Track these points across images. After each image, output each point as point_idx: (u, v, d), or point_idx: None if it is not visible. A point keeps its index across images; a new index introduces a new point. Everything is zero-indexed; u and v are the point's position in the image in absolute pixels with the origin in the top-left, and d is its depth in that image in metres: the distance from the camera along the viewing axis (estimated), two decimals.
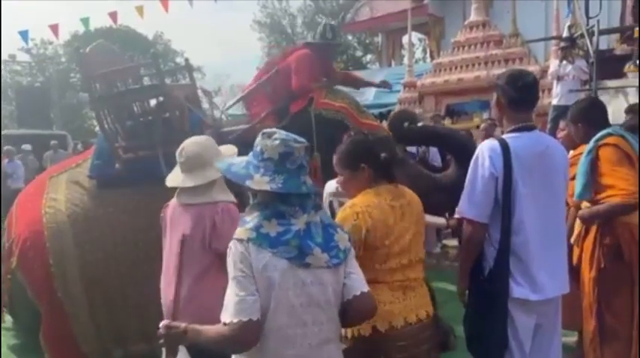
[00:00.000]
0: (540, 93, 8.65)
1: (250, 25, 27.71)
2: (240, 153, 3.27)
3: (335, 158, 2.05)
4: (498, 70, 9.24)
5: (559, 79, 6.75)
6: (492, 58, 9.34)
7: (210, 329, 1.46)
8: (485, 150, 2.11)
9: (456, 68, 9.69)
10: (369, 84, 5.09)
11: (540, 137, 2.19)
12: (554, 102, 6.86)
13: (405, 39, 14.70)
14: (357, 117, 3.56)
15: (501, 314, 2.06)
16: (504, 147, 2.06)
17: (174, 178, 2.33)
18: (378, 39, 17.65)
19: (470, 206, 2.12)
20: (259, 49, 28.11)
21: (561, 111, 6.52)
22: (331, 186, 2.72)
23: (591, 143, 2.69)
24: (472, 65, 9.50)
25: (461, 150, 3.85)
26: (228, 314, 1.39)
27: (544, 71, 8.63)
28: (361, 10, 16.75)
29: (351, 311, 1.55)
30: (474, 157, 2.15)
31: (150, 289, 2.97)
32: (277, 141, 1.51)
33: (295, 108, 3.59)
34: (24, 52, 26.65)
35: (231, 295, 1.41)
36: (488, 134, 5.63)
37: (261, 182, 1.48)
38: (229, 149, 2.53)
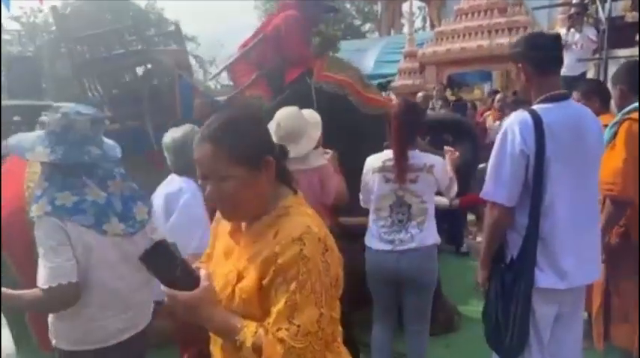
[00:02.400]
0: None
1: None
2: None
3: (203, 149, 1.10)
4: (502, 39, 8.97)
5: (566, 48, 6.49)
6: (496, 26, 9.07)
7: (26, 294, 1.57)
8: (515, 124, 1.87)
9: (458, 37, 9.41)
10: None
11: (575, 108, 1.96)
12: (561, 72, 6.60)
13: (405, 7, 14.30)
14: (362, 91, 3.32)
15: (524, 305, 1.89)
16: (536, 120, 1.83)
17: None
18: (377, 7, 17.16)
19: (497, 188, 1.90)
20: (255, 17, 27.40)
21: (568, 82, 6.29)
22: (376, 160, 2.54)
23: (619, 115, 2.50)
24: (475, 34, 9.22)
25: (454, 128, 3.73)
26: (44, 280, 1.51)
27: None
28: None
29: None
30: (502, 133, 1.91)
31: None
32: (59, 115, 1.60)
33: (290, 77, 3.36)
34: (13, 21, 25.89)
35: (46, 262, 1.52)
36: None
37: (41, 154, 1.57)
38: (313, 115, 2.63)
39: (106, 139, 1.78)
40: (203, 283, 1.06)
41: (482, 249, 2.06)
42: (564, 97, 1.93)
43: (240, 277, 1.11)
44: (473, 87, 12.56)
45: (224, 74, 4.22)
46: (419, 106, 2.83)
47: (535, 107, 1.91)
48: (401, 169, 2.41)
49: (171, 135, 2.38)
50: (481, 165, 4.71)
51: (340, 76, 3.30)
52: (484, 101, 8.53)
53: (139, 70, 3.12)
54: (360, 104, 3.17)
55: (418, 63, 9.83)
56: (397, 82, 9.86)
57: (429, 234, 2.46)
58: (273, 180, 1.16)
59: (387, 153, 2.49)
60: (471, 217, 5.57)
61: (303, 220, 1.11)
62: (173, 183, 2.34)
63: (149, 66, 2.98)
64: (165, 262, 1.03)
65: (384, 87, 9.91)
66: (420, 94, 6.31)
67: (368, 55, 11.33)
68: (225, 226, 1.24)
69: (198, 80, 3.84)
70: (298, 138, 2.52)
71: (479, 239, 5.53)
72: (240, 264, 1.13)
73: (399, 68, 10.14)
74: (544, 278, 1.88)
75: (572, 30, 6.37)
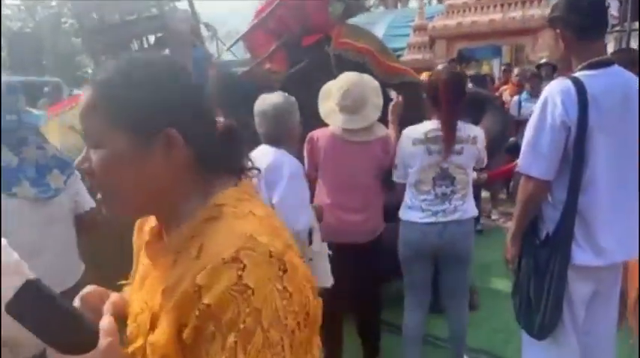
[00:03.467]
0: None
1: None
2: (247, 92, 3.02)
3: (83, 98, 0.76)
4: (515, 13, 8.74)
5: None
6: None
7: None
8: (555, 93, 1.74)
9: (470, 10, 9.19)
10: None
11: (622, 75, 1.82)
12: None
13: None
14: (383, 60, 3.17)
15: (559, 283, 1.80)
16: (580, 88, 1.71)
17: (335, 118, 2.49)
18: None
19: (534, 161, 1.80)
20: None
21: None
22: (415, 132, 2.40)
23: None
24: (487, 7, 9.00)
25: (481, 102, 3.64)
26: None
27: None
28: None
29: (84, 223, 1.96)
30: (541, 102, 1.79)
31: None
32: None
33: (307, 43, 3.21)
34: None
35: None
36: None
37: None
38: (372, 81, 2.57)
39: (32, 109, 1.91)
40: (103, 340, 0.67)
41: (514, 223, 1.96)
42: (609, 63, 1.80)
43: (153, 323, 0.71)
44: (482, 62, 12.30)
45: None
46: (463, 75, 2.74)
47: (578, 74, 1.77)
48: (450, 141, 2.32)
49: (270, 100, 2.20)
50: (512, 139, 4.58)
51: (360, 44, 3.16)
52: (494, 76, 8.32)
53: (151, 38, 2.98)
54: (380, 72, 3.03)
55: (428, 37, 9.60)
56: (407, 57, 9.63)
57: (470, 207, 2.41)
58: (194, 168, 0.76)
59: (429, 124, 2.39)
60: (485, 194, 5.48)
61: (241, 226, 0.69)
62: (269, 154, 2.13)
63: (161, 34, 2.84)
64: (45, 311, 0.65)
65: None
66: (439, 67, 6.08)
67: (376, 29, 10.97)
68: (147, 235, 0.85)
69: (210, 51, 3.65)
70: (363, 106, 2.45)
71: (493, 217, 5.44)
72: (154, 300, 0.71)
73: (409, 42, 9.92)
74: (581, 255, 1.80)
75: None
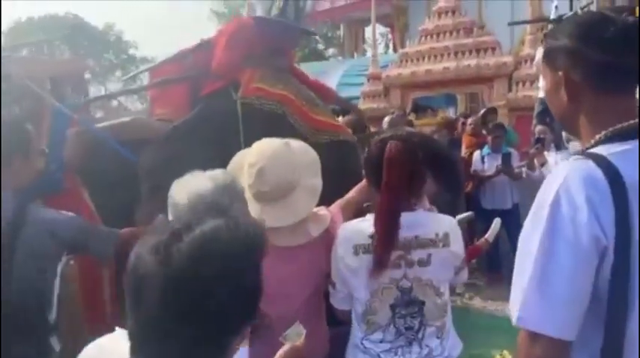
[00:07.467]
0: (515, 86, 7.97)
1: (208, 15, 26.43)
2: (121, 158, 2.29)
3: None
4: (468, 61, 8.46)
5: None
6: (462, 47, 8.58)
7: None
8: (576, 185, 0.98)
9: (423, 59, 8.89)
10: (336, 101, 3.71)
11: None
12: (542, 94, 6.07)
13: (367, 30, 13.93)
14: (306, 111, 2.45)
15: None
16: (613, 177, 0.96)
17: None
18: (340, 32, 16.92)
19: (544, 309, 0.99)
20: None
21: (547, 105, 5.77)
22: (356, 233, 1.62)
23: None
24: (440, 56, 8.72)
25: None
26: None
27: (518, 62, 7.94)
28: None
29: None
30: (549, 203, 0.99)
31: None
32: None
33: (208, 89, 2.49)
34: None
35: None
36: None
37: None
38: (305, 150, 1.77)
39: None
40: None
41: None
42: None
43: None
44: (437, 111, 12.06)
45: None
46: (422, 141, 1.82)
47: (602, 151, 1.02)
48: (387, 244, 1.54)
49: (196, 186, 1.31)
50: (460, 217, 3.80)
51: (277, 90, 2.44)
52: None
53: None
54: (305, 128, 2.34)
55: (382, 86, 9.25)
56: (361, 106, 9.20)
57: (452, 344, 1.65)
58: None
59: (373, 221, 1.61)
60: None
61: None
62: None
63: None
64: None
65: (346, 112, 9.27)
66: (386, 119, 5.49)
67: (330, 78, 10.71)
68: None
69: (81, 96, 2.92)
70: (289, 192, 1.64)
71: (458, 290, 4.73)
72: None
73: (363, 91, 9.55)
74: None
75: None
